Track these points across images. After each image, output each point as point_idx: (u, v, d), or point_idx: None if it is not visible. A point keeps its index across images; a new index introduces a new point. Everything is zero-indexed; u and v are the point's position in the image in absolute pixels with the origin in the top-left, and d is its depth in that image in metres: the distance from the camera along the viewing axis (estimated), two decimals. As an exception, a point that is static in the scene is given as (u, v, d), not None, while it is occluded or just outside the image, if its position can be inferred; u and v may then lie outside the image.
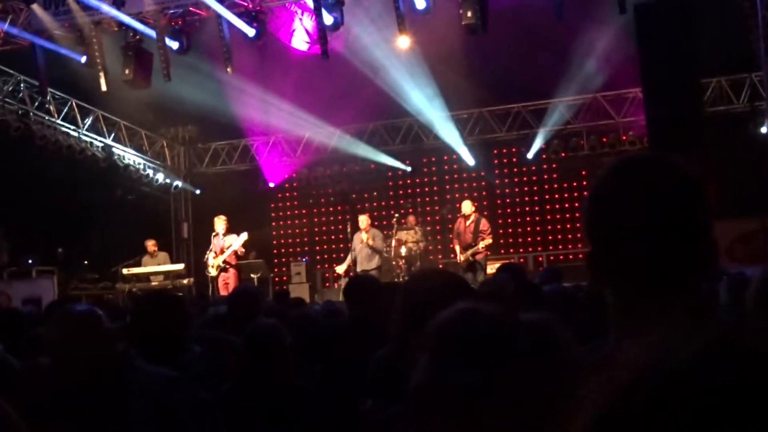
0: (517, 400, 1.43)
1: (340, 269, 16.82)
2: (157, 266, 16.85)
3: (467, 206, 15.56)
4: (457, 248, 15.45)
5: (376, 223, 18.00)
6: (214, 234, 15.79)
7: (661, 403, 0.87)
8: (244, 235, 15.61)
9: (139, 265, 16.96)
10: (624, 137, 18.95)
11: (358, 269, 16.08)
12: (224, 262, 15.33)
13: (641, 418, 0.88)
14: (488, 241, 15.08)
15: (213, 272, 15.48)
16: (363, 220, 16.30)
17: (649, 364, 0.94)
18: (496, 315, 1.56)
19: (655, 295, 1.47)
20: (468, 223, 15.36)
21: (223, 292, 14.51)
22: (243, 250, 15.67)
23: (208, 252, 15.74)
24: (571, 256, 19.20)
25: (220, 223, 15.71)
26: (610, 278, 1.56)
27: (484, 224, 15.33)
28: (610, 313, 1.55)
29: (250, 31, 14.77)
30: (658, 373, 0.90)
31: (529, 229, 20.22)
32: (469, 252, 15.02)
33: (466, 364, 1.48)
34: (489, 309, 1.58)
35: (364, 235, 15.95)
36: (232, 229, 15.75)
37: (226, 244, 15.40)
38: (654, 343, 0.96)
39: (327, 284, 20.10)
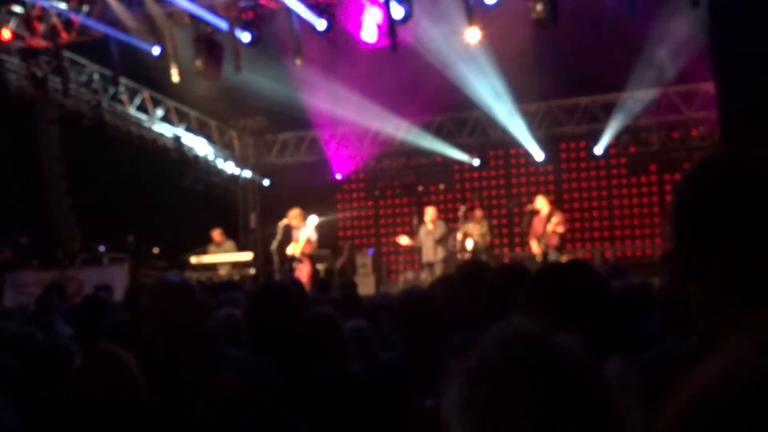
0: None
1: (403, 240, 16.81)
2: (224, 255, 16.99)
3: (540, 202, 15.46)
4: (533, 243, 15.37)
5: (442, 215, 18.00)
6: (291, 226, 15.94)
7: (757, 399, 0.83)
8: (313, 219, 15.71)
9: (205, 253, 17.11)
10: (695, 133, 18.68)
11: (423, 261, 16.11)
12: (300, 252, 15.49)
13: (734, 415, 0.84)
14: (557, 219, 14.99)
15: (294, 263, 15.64)
16: (429, 212, 16.31)
17: (745, 361, 0.90)
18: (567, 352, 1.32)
19: (752, 295, 1.41)
20: (542, 215, 15.29)
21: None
22: (316, 235, 15.76)
23: (274, 241, 15.86)
24: (638, 252, 18.99)
25: (293, 216, 15.84)
26: (700, 276, 1.49)
27: (558, 215, 15.26)
28: (695, 311, 1.49)
29: (321, 23, 14.84)
30: (754, 370, 0.86)
31: (596, 224, 20.04)
32: (543, 241, 14.95)
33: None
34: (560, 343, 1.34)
35: (430, 226, 15.98)
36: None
37: (301, 234, 15.55)
38: (749, 340, 0.92)
39: (392, 276, 20.14)
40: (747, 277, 1.42)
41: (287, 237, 15.76)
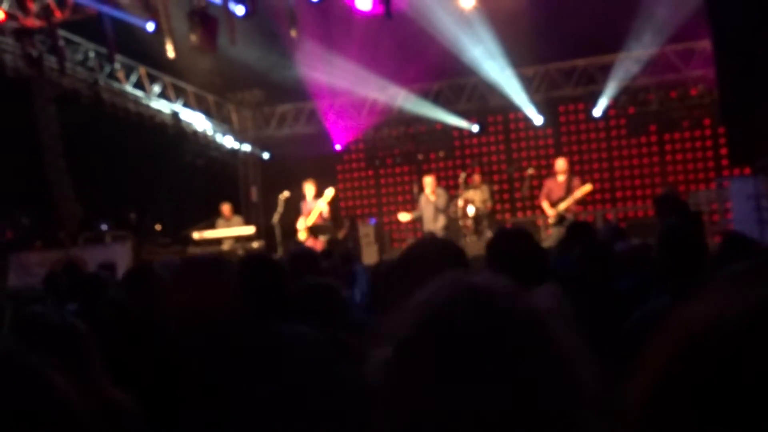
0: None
1: (404, 217, 16.89)
2: (227, 230, 17.03)
3: (561, 164, 15.50)
4: (544, 205, 15.40)
5: (443, 183, 18.01)
6: (302, 200, 15.97)
7: (728, 354, 0.82)
8: (329, 192, 15.81)
9: (212, 227, 17.15)
10: (693, 91, 18.63)
11: (424, 229, 16.13)
12: (313, 224, 15.58)
13: (706, 374, 0.83)
14: (588, 186, 15.13)
15: (302, 235, 15.70)
16: (429, 181, 16.33)
17: (711, 318, 0.89)
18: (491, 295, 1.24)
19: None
20: (560, 179, 15.31)
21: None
22: (328, 208, 15.85)
23: (275, 213, 15.90)
24: (640, 213, 19.00)
25: (309, 188, 15.87)
26: None
27: (576, 180, 15.32)
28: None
29: (314, -7, 14.80)
30: (721, 327, 0.84)
31: (597, 186, 20.01)
32: (563, 204, 14.99)
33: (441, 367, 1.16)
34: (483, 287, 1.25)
35: (431, 195, 16.00)
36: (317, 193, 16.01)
37: (316, 206, 15.60)
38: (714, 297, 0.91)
39: (395, 244, 20.17)
40: None
41: (289, 209, 15.80)
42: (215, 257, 3.36)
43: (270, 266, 4.12)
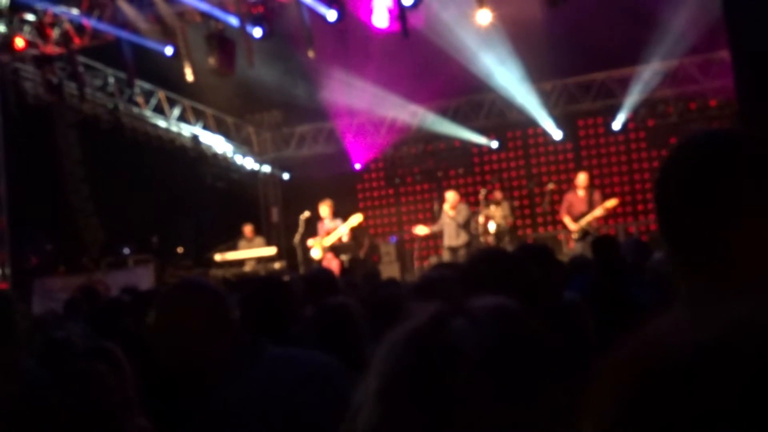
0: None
1: (421, 230, 16.79)
2: (249, 251, 17.04)
3: (582, 178, 15.48)
4: (566, 220, 15.35)
5: (463, 199, 17.98)
6: (319, 220, 15.97)
7: (690, 378, 0.79)
8: (356, 218, 15.73)
9: (235, 249, 17.17)
10: (713, 103, 18.55)
11: (445, 245, 16.08)
12: (331, 245, 15.56)
13: (669, 398, 0.79)
14: (614, 201, 15.15)
15: (318, 255, 15.68)
16: (450, 196, 16.29)
17: (678, 338, 0.87)
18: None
19: (711, 261, 1.50)
20: (581, 194, 15.28)
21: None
22: (348, 236, 15.76)
23: (297, 234, 15.89)
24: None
25: (324, 208, 15.86)
26: (672, 241, 1.62)
27: (597, 194, 15.31)
28: (675, 280, 1.58)
29: (331, 14, 14.83)
30: (685, 348, 0.81)
31: (618, 199, 19.92)
32: (586, 219, 14.94)
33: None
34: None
35: (451, 211, 15.97)
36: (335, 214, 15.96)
37: (338, 230, 15.57)
38: (686, 316, 0.88)
39: (417, 263, 20.14)
40: (709, 243, 1.52)
41: (309, 229, 15.79)
42: (200, 283, 3.12)
43: (278, 290, 4.08)
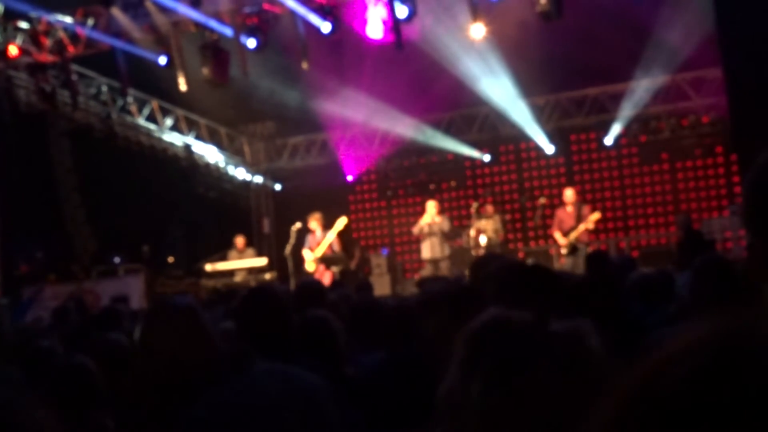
0: (543, 412, 1.46)
1: (417, 230, 16.72)
2: (239, 262, 17.02)
3: (569, 194, 15.53)
4: (557, 235, 15.39)
5: (455, 212, 17.98)
6: (309, 233, 15.95)
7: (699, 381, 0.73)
8: (341, 221, 15.79)
9: (224, 260, 17.16)
10: (705, 119, 18.61)
11: (426, 257, 16.10)
12: (323, 255, 15.56)
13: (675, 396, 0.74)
14: (597, 215, 15.16)
15: (311, 267, 15.67)
16: (432, 205, 16.30)
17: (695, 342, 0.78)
18: (527, 324, 1.60)
19: None
20: (569, 209, 15.32)
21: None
22: (338, 240, 15.81)
23: (288, 245, 15.88)
24: (653, 241, 18.94)
25: (314, 223, 15.85)
26: None
27: (586, 209, 15.36)
28: None
29: (326, 26, 14.86)
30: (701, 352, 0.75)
31: (609, 215, 19.95)
32: (574, 234, 14.97)
33: (492, 374, 1.51)
34: (520, 317, 1.62)
35: (437, 219, 15.99)
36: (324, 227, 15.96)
37: (326, 238, 15.58)
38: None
39: (408, 275, 20.13)
40: None
41: (301, 241, 15.78)
42: (176, 303, 3.28)
43: (270, 301, 4.08)
